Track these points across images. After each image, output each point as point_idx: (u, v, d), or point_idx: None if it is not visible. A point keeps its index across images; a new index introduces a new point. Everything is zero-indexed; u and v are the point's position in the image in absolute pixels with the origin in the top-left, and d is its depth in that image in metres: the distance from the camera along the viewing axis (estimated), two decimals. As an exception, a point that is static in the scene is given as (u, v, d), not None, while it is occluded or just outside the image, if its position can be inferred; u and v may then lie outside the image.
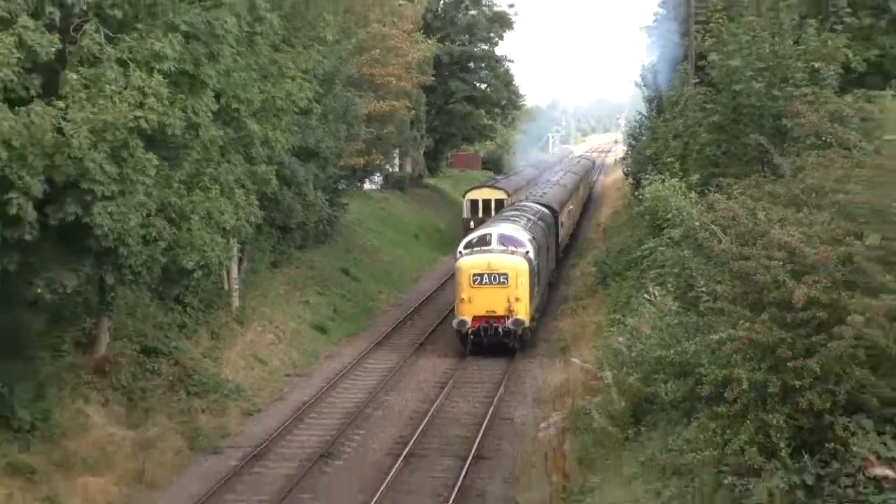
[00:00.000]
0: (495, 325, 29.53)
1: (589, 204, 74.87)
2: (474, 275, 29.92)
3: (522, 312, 29.62)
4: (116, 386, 25.47)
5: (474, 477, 23.63)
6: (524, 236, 33.12)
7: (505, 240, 32.16)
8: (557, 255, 47.99)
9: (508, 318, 29.17)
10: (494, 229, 33.89)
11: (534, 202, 47.51)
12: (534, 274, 32.08)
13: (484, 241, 32.82)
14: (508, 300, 29.23)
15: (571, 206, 61.14)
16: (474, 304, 29.71)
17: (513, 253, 31.13)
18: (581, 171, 78.06)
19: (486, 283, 29.54)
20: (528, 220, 39.11)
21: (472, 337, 29.93)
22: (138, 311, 28.49)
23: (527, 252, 31.82)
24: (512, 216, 39.81)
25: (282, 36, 28.37)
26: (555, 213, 47.00)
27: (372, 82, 44.90)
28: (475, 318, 29.53)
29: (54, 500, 20.67)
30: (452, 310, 33.30)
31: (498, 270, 29.59)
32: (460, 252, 32.87)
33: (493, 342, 30.01)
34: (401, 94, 48.88)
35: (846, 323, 11.11)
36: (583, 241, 60.68)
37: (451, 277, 39.50)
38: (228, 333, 33.03)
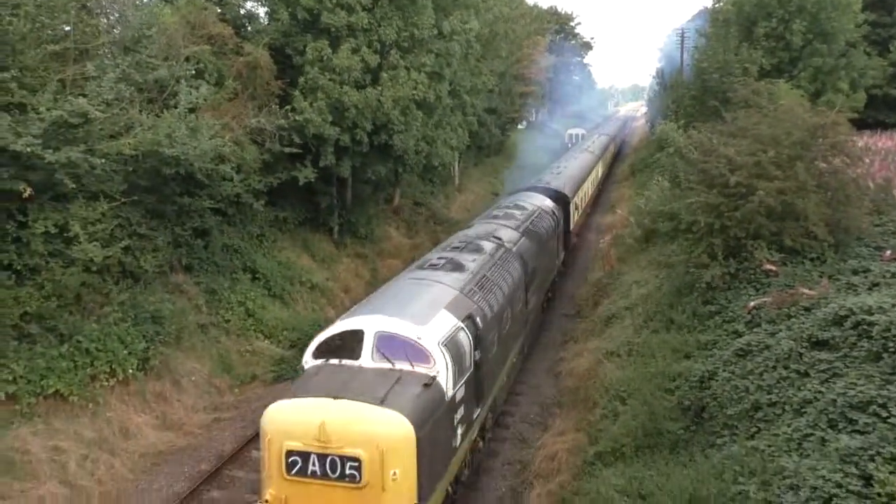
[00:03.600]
0: None
1: (623, 145, 75.72)
2: (290, 454, 8.47)
3: None
4: (403, 219, 31.57)
5: (567, 265, 28.20)
6: (441, 327, 10.22)
7: (387, 347, 9.63)
8: (567, 244, 26.24)
9: None
10: (373, 323, 9.87)
11: (541, 191, 25.30)
12: (439, 432, 9.41)
13: (348, 346, 9.80)
14: None
15: (597, 171, 41.01)
16: None
17: (388, 398, 8.54)
18: (612, 134, 64.61)
19: (313, 476, 8.39)
20: (496, 248, 15.64)
21: None
22: (412, 185, 33.99)
23: (431, 380, 9.28)
24: (469, 245, 15.20)
25: (481, 53, 31.99)
26: (565, 201, 25.76)
27: (522, 76, 54.21)
28: None
29: (376, 269, 26.24)
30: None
31: (340, 450, 8.28)
32: (302, 367, 10.11)
33: None
34: (536, 82, 59.43)
35: (755, 194, 12.95)
36: (622, 157, 64.40)
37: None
38: (453, 196, 39.49)
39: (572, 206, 27.18)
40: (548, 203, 23.58)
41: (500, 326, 13.22)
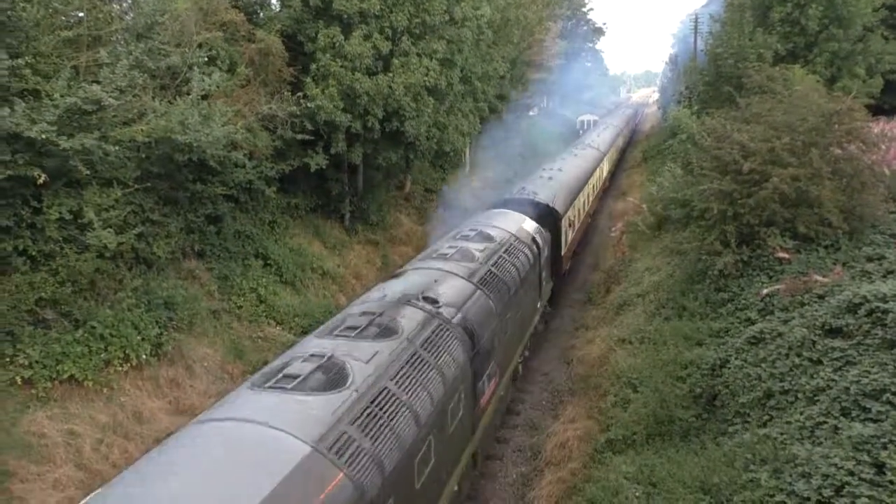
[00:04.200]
0: None
1: (635, 133, 75.05)
2: None
3: None
4: (413, 206, 31.52)
5: (581, 252, 28.24)
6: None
7: None
8: (558, 272, 20.69)
9: None
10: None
11: (522, 206, 19.43)
12: None
13: None
14: None
15: (601, 172, 35.50)
16: None
17: None
18: (622, 122, 61.31)
19: None
20: (423, 323, 9.51)
21: None
22: (423, 171, 34.10)
23: None
24: (374, 320, 9.02)
25: (493, 39, 31.75)
26: (554, 217, 20.41)
27: (534, 62, 53.22)
28: None
29: (386, 255, 26.10)
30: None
31: None
32: None
33: None
34: (547, 68, 58.19)
35: (769, 181, 13.02)
36: (634, 142, 64.78)
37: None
38: (463, 181, 38.20)
39: (564, 223, 21.60)
40: (527, 225, 17.55)
41: (407, 485, 7.47)
